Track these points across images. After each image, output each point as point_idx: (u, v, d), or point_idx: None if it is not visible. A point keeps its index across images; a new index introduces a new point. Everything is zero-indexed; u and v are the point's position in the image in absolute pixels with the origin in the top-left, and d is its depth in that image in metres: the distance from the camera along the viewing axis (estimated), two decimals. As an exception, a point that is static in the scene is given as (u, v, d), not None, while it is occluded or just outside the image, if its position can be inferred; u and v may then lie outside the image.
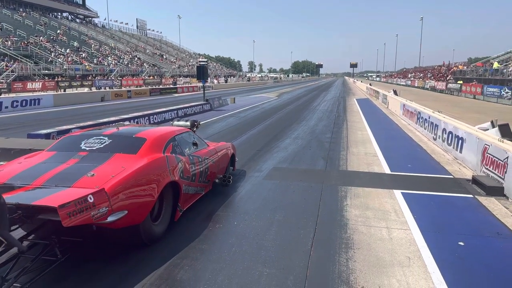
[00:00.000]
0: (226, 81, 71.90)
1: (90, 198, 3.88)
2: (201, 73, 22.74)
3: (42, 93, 28.82)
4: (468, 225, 5.45)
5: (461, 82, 43.19)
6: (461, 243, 4.80)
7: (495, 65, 41.15)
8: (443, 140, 11.04)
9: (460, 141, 9.55)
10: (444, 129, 11.06)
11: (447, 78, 53.44)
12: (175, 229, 5.20)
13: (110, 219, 4.07)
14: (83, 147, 5.22)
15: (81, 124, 11.51)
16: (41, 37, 48.30)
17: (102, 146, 5.22)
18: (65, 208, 3.60)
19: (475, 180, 7.46)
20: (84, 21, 76.15)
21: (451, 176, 8.14)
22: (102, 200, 3.97)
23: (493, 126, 10.56)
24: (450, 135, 10.43)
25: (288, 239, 4.94)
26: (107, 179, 4.30)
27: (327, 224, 5.45)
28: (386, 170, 8.68)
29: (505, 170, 6.80)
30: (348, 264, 4.27)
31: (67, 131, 10.26)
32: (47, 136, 9.52)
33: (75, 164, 4.78)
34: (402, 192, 6.91)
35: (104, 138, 5.42)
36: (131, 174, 4.46)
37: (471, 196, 6.80)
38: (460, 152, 9.45)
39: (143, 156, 5.05)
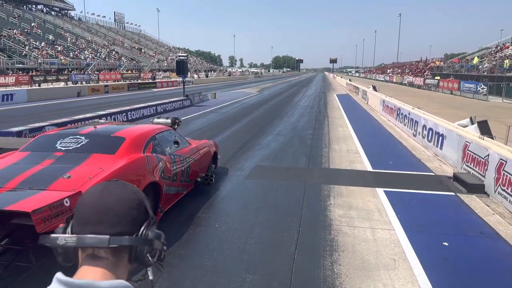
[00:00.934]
0: (206, 76, 71.27)
1: (67, 202, 3.70)
2: (181, 68, 22.43)
3: (15, 88, 27.89)
4: (451, 224, 5.47)
5: (438, 77, 43.96)
6: (445, 243, 4.80)
7: (475, 60, 42.04)
8: (423, 137, 11.14)
9: (440, 137, 9.64)
10: (424, 126, 11.16)
11: (425, 74, 54.35)
12: (155, 232, 5.03)
13: (87, 223, 3.89)
14: (58, 147, 4.99)
15: (55, 121, 11.12)
16: (14, 30, 46.72)
17: (78, 146, 5.01)
18: (40, 213, 3.42)
19: (456, 177, 7.53)
20: (60, 14, 74.11)
21: (433, 174, 8.20)
22: (78, 203, 3.79)
23: (472, 123, 10.70)
24: (430, 131, 10.53)
25: (271, 242, 4.84)
26: (84, 180, 4.11)
27: (311, 225, 5.37)
28: (368, 167, 8.68)
29: (485, 167, 6.87)
30: (333, 268, 4.19)
31: (40, 128, 9.91)
32: (19, 134, 9.15)
33: (50, 165, 4.56)
34: (384, 190, 6.91)
35: (81, 137, 5.20)
36: (109, 176, 4.27)
37: (452, 193, 6.84)
38: (441, 149, 9.55)
39: (122, 156, 4.87)
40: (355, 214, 5.78)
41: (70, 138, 5.14)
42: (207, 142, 7.86)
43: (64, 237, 1.03)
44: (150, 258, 1.07)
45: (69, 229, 1.06)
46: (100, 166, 4.47)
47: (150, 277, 1.13)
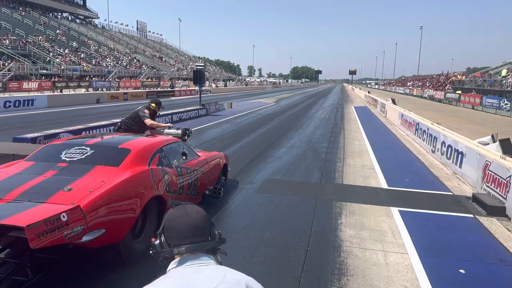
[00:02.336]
0: (225, 85, 71.61)
1: (64, 217, 3.57)
2: (198, 77, 22.48)
3: (37, 94, 28.46)
4: (469, 250, 5.15)
5: (459, 92, 43.06)
6: (462, 271, 4.50)
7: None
8: (442, 153, 10.77)
9: (460, 155, 9.28)
10: (443, 142, 10.79)
11: (446, 88, 53.34)
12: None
13: (85, 238, 3.75)
14: (63, 158, 4.90)
15: (70, 128, 11.18)
16: (40, 37, 48.00)
17: (83, 157, 4.91)
18: (34, 228, 3.29)
19: (475, 198, 7.18)
20: (84, 22, 75.93)
21: (451, 193, 7.85)
22: (76, 218, 3.66)
23: (494, 141, 10.28)
24: (450, 148, 10.16)
25: (277, 262, 4.62)
26: (84, 194, 3.98)
27: (320, 245, 5.13)
28: (383, 184, 8.38)
29: (507, 189, 6.52)
30: (341, 294, 3.96)
31: (55, 135, 9.96)
32: (33, 140, 9.19)
33: (52, 176, 4.46)
34: (399, 210, 6.61)
35: (86, 148, 5.10)
36: (110, 190, 4.14)
37: (471, 216, 6.50)
38: (460, 167, 9.18)
39: (126, 168, 4.74)
40: (367, 235, 5.51)
41: (75, 149, 5.05)
42: (217, 154, 7.72)
43: (177, 250, 1.65)
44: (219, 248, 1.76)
45: (163, 240, 1.71)
46: (103, 179, 4.34)
47: (220, 260, 1.75)
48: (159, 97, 39.25)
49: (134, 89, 43.71)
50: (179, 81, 59.84)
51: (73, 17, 74.15)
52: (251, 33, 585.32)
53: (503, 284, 4.31)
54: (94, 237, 3.82)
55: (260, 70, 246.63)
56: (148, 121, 7.97)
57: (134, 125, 7.99)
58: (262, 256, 4.76)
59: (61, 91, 33.50)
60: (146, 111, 8.03)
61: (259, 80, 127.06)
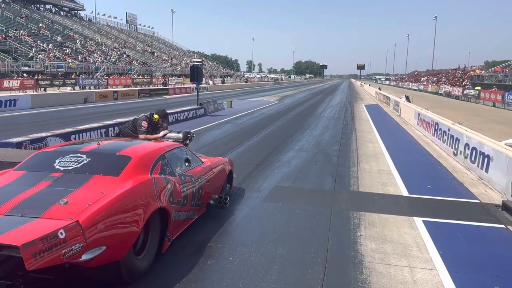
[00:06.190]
0: (223, 82, 71.60)
1: (61, 234, 3.52)
2: (195, 74, 22.45)
3: (19, 93, 28.42)
4: (502, 264, 5.10)
5: (479, 88, 43.08)
6: (498, 289, 4.46)
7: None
8: (466, 157, 10.72)
9: (486, 159, 9.23)
10: (466, 144, 10.74)
11: (463, 83, 53.38)
12: (158, 264, 4.83)
13: (84, 257, 3.71)
14: (57, 167, 4.85)
15: (58, 132, 11.13)
16: (21, 31, 48.00)
17: (79, 165, 4.86)
18: (30, 247, 3.25)
19: (505, 207, 7.12)
20: (69, 14, 75.98)
21: (478, 201, 7.81)
22: (75, 235, 3.61)
23: (522, 143, 10.25)
24: (474, 151, 10.11)
25: (293, 280, 4.56)
26: (82, 208, 3.93)
27: (339, 261, 5.08)
28: (404, 191, 8.33)
29: (541, 197, 6.47)
30: (367, 316, 3.91)
31: (42, 139, 9.92)
32: (19, 145, 9.14)
33: (46, 187, 4.41)
34: (423, 220, 6.56)
35: (82, 156, 5.05)
36: (111, 202, 4.09)
37: (502, 226, 6.45)
38: (486, 171, 9.13)
39: (127, 178, 4.69)
40: (390, 249, 5.46)
41: (70, 157, 5.00)
42: (221, 160, 7.67)
43: None
44: None
45: None
46: (102, 190, 4.30)
47: None
48: (152, 96, 39.27)
49: (124, 87, 43.72)
50: (173, 77, 59.82)
51: (57, 9, 74.17)
52: (250, 24, 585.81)
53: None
54: (94, 256, 3.78)
55: (260, 65, 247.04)
56: (142, 136, 7.58)
57: (134, 134, 7.70)
58: (276, 274, 4.70)
59: (45, 90, 33.48)
60: (145, 123, 7.62)
61: (259, 76, 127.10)
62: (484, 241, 5.89)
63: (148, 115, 7.81)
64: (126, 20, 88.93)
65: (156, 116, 7.79)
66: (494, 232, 6.27)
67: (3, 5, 56.07)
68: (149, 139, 7.68)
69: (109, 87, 41.31)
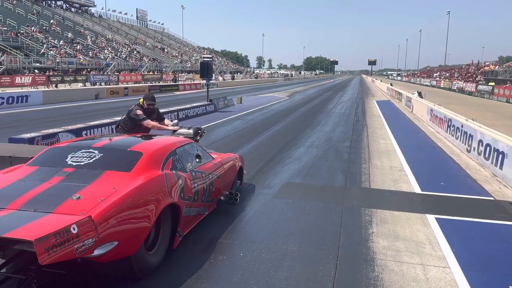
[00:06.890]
0: (233, 78, 71.60)
1: (74, 229, 3.55)
2: (205, 70, 22.46)
3: (31, 89, 28.71)
4: (517, 263, 5.05)
5: (492, 83, 42.56)
6: (513, 288, 4.41)
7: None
8: (479, 153, 10.61)
9: (500, 155, 9.12)
10: (480, 141, 10.62)
11: (477, 79, 52.76)
12: (169, 260, 4.85)
13: (96, 252, 3.74)
14: (69, 162, 4.89)
15: (70, 127, 11.23)
16: (32, 27, 48.43)
17: (91, 161, 4.89)
18: (43, 242, 3.27)
19: (520, 204, 7.05)
20: (80, 10, 76.51)
21: (492, 198, 7.72)
22: (87, 230, 3.64)
23: (537, 139, 10.10)
24: (488, 147, 10.00)
25: (304, 277, 4.55)
26: (95, 203, 3.96)
27: (351, 258, 5.06)
28: (416, 188, 8.27)
29: (557, 194, 6.38)
30: (379, 314, 3.89)
31: (54, 135, 10.01)
32: (31, 141, 9.24)
33: (59, 183, 4.45)
34: (436, 218, 6.51)
35: (94, 151, 5.09)
36: (123, 198, 4.11)
37: (517, 224, 6.39)
38: (501, 168, 9.02)
39: (138, 174, 4.72)
40: (403, 247, 5.43)
41: (82, 152, 5.04)
42: (232, 156, 7.68)
43: None
44: None
45: None
46: (114, 186, 4.32)
47: None
48: (162, 92, 39.39)
49: (134, 83, 43.91)
50: (183, 73, 59.97)
51: (67, 5, 74.72)
52: (260, 20, 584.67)
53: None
54: (106, 251, 3.80)
55: (270, 61, 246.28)
56: (148, 123, 7.44)
57: (133, 128, 7.40)
58: (287, 271, 4.70)
59: (56, 86, 33.77)
60: (139, 111, 7.41)
61: (269, 72, 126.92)
62: (498, 239, 5.83)
63: (137, 103, 7.64)
64: (137, 16, 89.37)
65: (141, 100, 7.63)
66: (508, 229, 6.19)
67: (14, 1, 56.55)
68: (158, 129, 7.73)
69: (119, 83, 41.54)
